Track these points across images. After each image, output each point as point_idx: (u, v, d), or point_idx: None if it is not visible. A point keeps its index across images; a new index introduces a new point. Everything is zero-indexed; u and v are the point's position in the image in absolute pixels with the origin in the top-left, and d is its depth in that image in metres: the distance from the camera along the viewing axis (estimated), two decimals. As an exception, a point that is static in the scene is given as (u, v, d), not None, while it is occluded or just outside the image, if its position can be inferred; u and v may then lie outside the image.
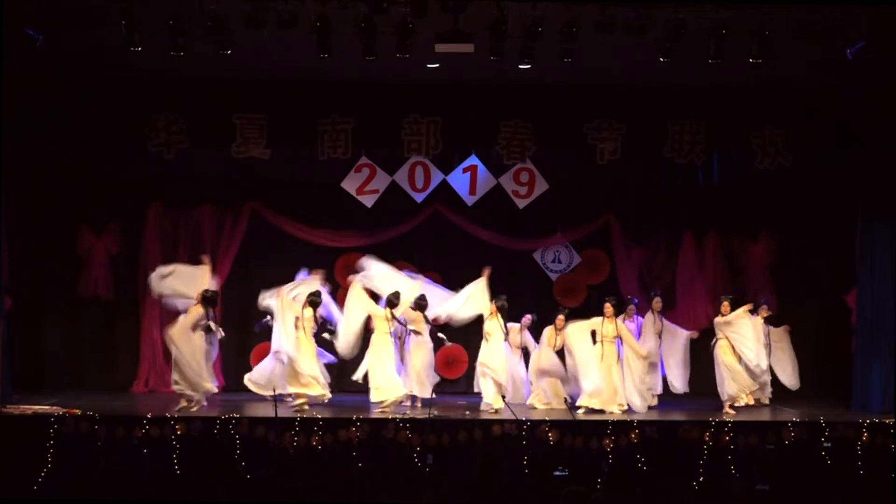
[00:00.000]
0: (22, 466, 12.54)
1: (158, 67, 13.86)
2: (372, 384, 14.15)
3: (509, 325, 14.76)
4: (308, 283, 14.74)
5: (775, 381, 15.34)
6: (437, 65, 13.74)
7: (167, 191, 16.03)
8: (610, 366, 14.39)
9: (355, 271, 15.89)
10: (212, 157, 15.38)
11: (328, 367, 14.74)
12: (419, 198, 15.71)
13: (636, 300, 15.38)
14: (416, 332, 14.51)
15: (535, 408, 14.54)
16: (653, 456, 12.98)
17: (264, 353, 15.11)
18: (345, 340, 14.49)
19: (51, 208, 15.89)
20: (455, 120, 15.32)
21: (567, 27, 12.33)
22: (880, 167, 14.79)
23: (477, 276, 14.91)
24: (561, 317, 14.68)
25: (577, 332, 14.46)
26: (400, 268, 15.33)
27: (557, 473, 12.63)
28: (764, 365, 14.82)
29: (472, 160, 15.66)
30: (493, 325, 14.52)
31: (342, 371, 14.98)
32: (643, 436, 13.14)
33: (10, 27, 11.86)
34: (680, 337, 15.14)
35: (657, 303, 15.19)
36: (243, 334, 15.86)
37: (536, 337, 15.02)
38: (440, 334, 14.77)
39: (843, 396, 15.31)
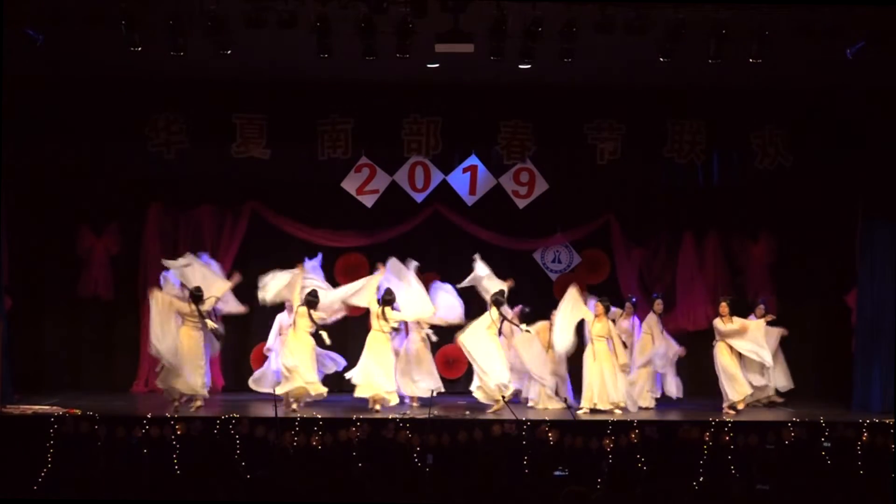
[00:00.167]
0: (22, 466, 12.55)
1: (158, 67, 13.86)
2: (359, 380, 14.24)
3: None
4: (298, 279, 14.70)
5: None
6: (437, 65, 13.74)
7: (167, 191, 16.03)
8: (601, 365, 14.39)
9: (356, 271, 15.95)
10: (212, 157, 15.36)
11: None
12: (419, 198, 15.70)
13: (634, 299, 15.39)
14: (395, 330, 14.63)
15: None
16: (653, 456, 12.98)
17: (263, 355, 15.14)
18: None
19: (51, 208, 15.89)
20: (455, 120, 15.32)
21: (567, 27, 12.33)
22: (880, 167, 14.80)
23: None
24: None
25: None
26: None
27: (557, 473, 12.63)
28: (767, 358, 14.79)
29: (472, 160, 15.65)
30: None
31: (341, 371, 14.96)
32: (643, 436, 13.15)
33: (10, 27, 11.86)
34: (672, 348, 15.13)
35: (658, 305, 15.19)
36: (243, 334, 15.84)
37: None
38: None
39: (843, 396, 15.31)
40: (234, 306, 14.72)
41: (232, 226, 16.13)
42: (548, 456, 12.93)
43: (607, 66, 14.04)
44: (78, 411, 13.20)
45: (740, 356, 14.73)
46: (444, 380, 15.20)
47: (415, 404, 14.67)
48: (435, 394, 14.26)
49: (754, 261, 16.38)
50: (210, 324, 14.20)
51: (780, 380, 15.29)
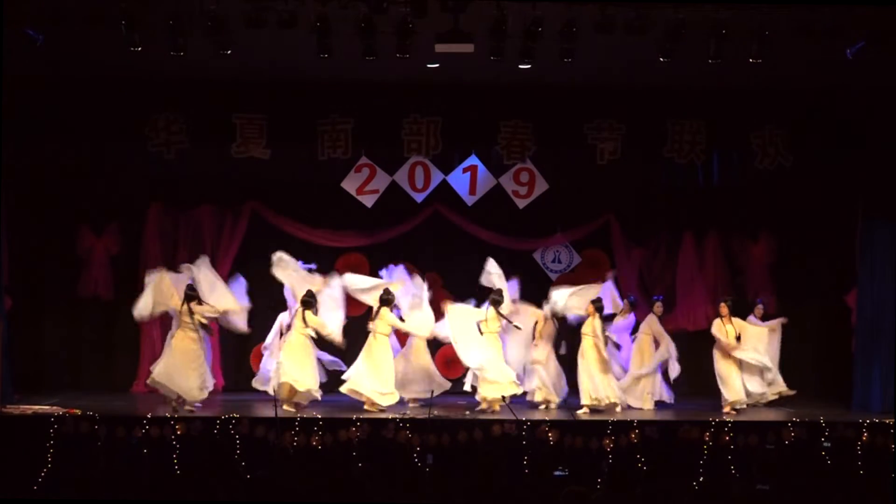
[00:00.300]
0: (22, 466, 12.55)
1: (158, 67, 13.86)
2: (348, 376, 14.28)
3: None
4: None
5: (787, 383, 15.39)
6: (437, 65, 13.74)
7: (167, 191, 16.03)
8: (588, 363, 14.45)
9: (356, 271, 15.95)
10: (212, 157, 15.37)
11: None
12: (419, 198, 15.71)
13: (633, 297, 15.39)
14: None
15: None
16: (653, 456, 12.98)
17: (261, 352, 15.15)
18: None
19: (51, 208, 15.89)
20: (455, 120, 15.33)
21: (567, 27, 12.34)
22: (880, 167, 14.80)
23: (476, 276, 14.96)
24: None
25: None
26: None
27: (557, 473, 12.63)
28: (768, 363, 14.79)
29: (472, 160, 15.66)
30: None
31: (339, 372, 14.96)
32: (643, 436, 13.15)
33: (10, 27, 11.86)
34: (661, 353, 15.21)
35: (658, 308, 15.20)
36: (242, 335, 15.82)
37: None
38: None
39: (843, 396, 15.31)
40: (237, 324, 14.66)
41: (232, 226, 16.13)
42: (548, 456, 12.93)
43: (607, 66, 14.04)
44: (78, 411, 13.19)
45: (740, 360, 14.72)
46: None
47: (412, 404, 14.66)
48: (435, 394, 14.26)
49: (754, 261, 16.39)
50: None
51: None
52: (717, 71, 13.24)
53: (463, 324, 14.53)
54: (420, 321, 14.74)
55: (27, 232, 15.61)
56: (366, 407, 14.07)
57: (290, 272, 14.72)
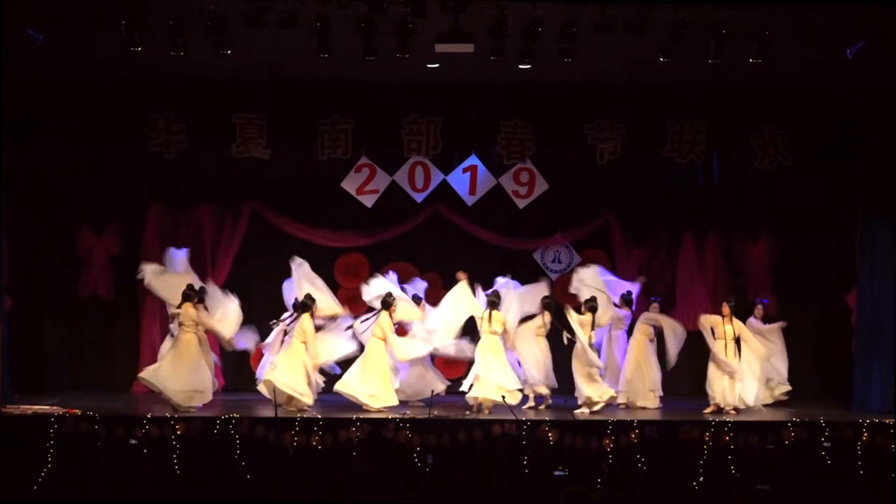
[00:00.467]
0: (22, 466, 12.54)
1: (158, 67, 13.86)
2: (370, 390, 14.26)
3: None
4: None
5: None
6: (437, 65, 13.74)
7: (167, 191, 16.02)
8: (576, 364, 14.51)
9: (356, 271, 15.98)
10: (212, 157, 15.37)
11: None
12: (419, 198, 15.71)
13: (632, 294, 15.38)
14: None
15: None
16: (653, 456, 12.97)
17: (261, 354, 15.14)
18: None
19: (51, 208, 15.89)
20: (455, 120, 15.33)
21: (567, 27, 12.33)
22: (880, 167, 14.80)
23: (477, 276, 14.97)
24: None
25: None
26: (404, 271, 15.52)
27: (557, 473, 12.63)
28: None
29: (472, 160, 15.66)
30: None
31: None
32: (643, 436, 13.14)
33: (10, 27, 11.86)
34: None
35: (654, 308, 15.19)
36: (241, 335, 15.82)
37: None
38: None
39: (843, 396, 15.31)
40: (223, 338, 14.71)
41: (232, 226, 16.13)
42: (548, 456, 12.93)
43: (607, 66, 14.04)
44: (78, 411, 13.19)
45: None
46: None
47: (413, 404, 14.66)
48: (435, 394, 14.25)
49: (754, 261, 16.38)
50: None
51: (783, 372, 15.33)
52: (717, 71, 13.24)
53: (455, 304, 14.58)
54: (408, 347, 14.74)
55: (27, 232, 15.61)
56: (364, 406, 14.07)
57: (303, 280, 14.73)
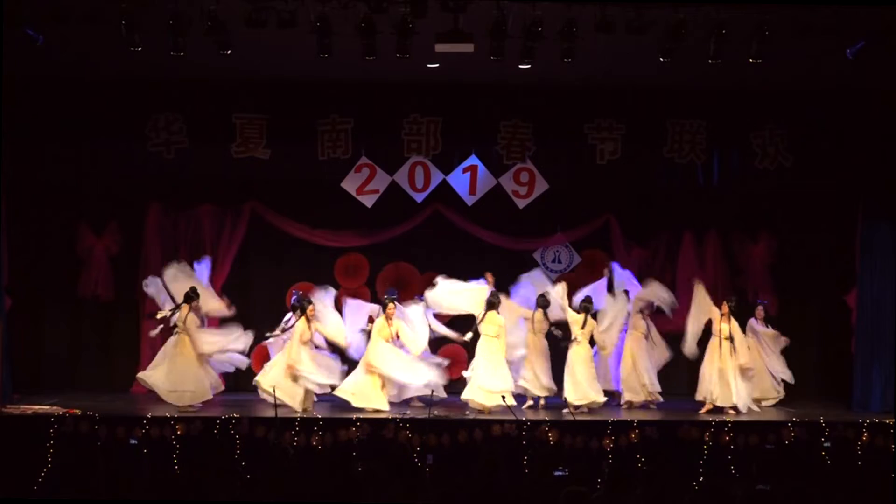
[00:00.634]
0: (22, 466, 12.54)
1: (158, 67, 13.86)
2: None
3: None
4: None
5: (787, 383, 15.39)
6: (437, 65, 13.74)
7: (167, 191, 16.02)
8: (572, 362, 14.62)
9: (356, 271, 15.98)
10: (212, 157, 15.37)
11: None
12: (419, 198, 15.71)
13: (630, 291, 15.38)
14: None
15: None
16: (653, 456, 12.97)
17: (264, 354, 15.13)
18: None
19: (51, 208, 15.89)
20: (455, 120, 15.33)
21: (567, 27, 12.33)
22: (880, 167, 14.80)
23: (477, 276, 14.98)
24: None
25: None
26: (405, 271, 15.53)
27: (557, 473, 12.62)
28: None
29: (472, 160, 15.66)
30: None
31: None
32: (643, 436, 13.15)
33: (10, 27, 11.86)
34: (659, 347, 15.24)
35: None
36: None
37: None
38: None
39: (843, 396, 15.31)
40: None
41: (232, 226, 16.12)
42: (548, 456, 12.92)
43: (607, 66, 14.04)
44: (78, 411, 13.20)
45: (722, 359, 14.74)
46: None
47: (413, 404, 14.67)
48: (434, 394, 14.24)
49: (754, 261, 16.38)
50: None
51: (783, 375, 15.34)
52: (717, 71, 13.24)
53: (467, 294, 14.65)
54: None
55: (27, 232, 15.62)
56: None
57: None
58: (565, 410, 13.95)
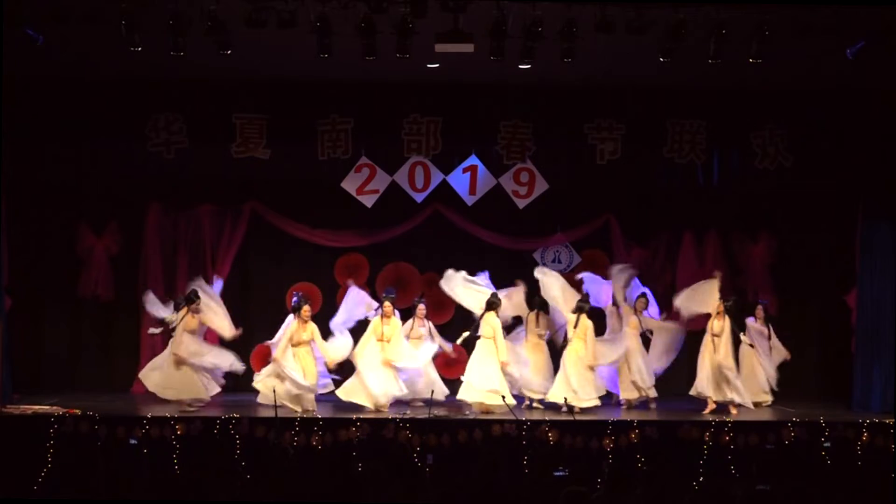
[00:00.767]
0: (22, 466, 12.54)
1: (158, 67, 13.85)
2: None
3: None
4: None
5: (787, 382, 15.38)
6: (437, 65, 13.74)
7: (167, 191, 16.02)
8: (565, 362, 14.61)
9: (356, 271, 15.98)
10: (212, 157, 15.37)
11: None
12: (419, 198, 15.70)
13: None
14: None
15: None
16: (653, 456, 12.97)
17: (264, 354, 15.13)
18: None
19: (51, 208, 15.89)
20: (455, 120, 15.33)
21: (567, 27, 12.33)
22: (880, 167, 14.80)
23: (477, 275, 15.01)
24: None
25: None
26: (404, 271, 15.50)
27: (557, 473, 12.62)
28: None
29: (472, 160, 15.66)
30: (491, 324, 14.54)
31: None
32: (643, 436, 13.15)
33: (10, 27, 11.86)
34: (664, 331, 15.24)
35: (641, 303, 15.18)
36: (243, 335, 15.79)
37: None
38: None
39: (843, 396, 15.31)
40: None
41: (232, 226, 16.12)
42: (548, 456, 12.92)
43: (607, 66, 14.04)
44: (78, 411, 13.20)
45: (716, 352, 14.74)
46: (444, 380, 15.16)
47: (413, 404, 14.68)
48: (434, 395, 14.24)
49: (754, 261, 16.38)
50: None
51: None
52: (717, 71, 13.23)
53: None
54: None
55: (27, 232, 15.61)
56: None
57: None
58: (563, 409, 13.96)
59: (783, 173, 15.43)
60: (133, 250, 16.02)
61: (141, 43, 12.52)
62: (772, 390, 15.15)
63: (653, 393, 14.91)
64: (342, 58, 12.84)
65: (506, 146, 15.42)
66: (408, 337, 14.69)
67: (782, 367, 15.47)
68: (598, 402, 14.47)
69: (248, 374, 15.52)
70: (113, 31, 12.18)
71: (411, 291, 15.79)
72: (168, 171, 15.41)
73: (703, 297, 14.86)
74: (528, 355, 14.81)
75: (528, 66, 13.34)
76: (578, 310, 14.61)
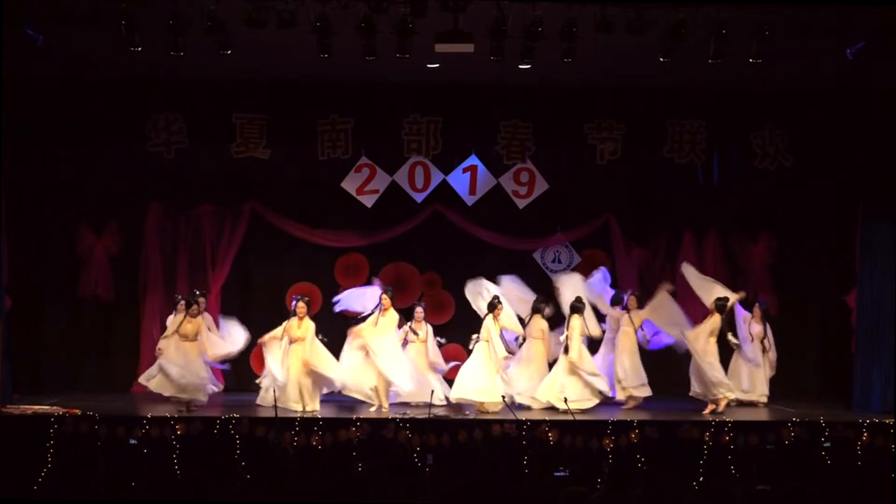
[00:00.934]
0: (22, 466, 12.54)
1: (158, 67, 13.85)
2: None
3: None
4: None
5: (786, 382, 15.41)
6: (437, 65, 13.74)
7: (167, 191, 16.02)
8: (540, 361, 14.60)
9: (356, 271, 15.98)
10: (212, 157, 15.38)
11: None
12: (419, 198, 15.71)
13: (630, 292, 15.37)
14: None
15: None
16: (653, 456, 12.97)
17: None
18: None
19: (51, 208, 15.89)
20: (455, 120, 15.33)
21: (567, 27, 12.33)
22: (880, 167, 14.80)
23: (477, 276, 14.98)
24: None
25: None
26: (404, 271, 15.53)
27: (557, 473, 12.62)
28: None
29: (472, 160, 15.66)
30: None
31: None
32: (643, 436, 13.14)
33: (10, 27, 11.86)
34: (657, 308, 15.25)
35: (632, 301, 15.17)
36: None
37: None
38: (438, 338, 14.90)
39: (843, 396, 15.31)
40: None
41: (232, 226, 16.12)
42: (548, 456, 12.92)
43: (607, 66, 14.04)
44: (78, 411, 13.19)
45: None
46: (444, 380, 15.17)
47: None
48: (435, 395, 14.23)
49: (754, 261, 16.38)
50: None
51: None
52: (717, 71, 13.23)
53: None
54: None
55: (27, 232, 15.61)
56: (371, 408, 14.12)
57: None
58: (562, 409, 13.95)
59: (783, 173, 15.43)
60: (133, 250, 16.03)
61: (141, 43, 12.52)
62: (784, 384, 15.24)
63: (640, 393, 14.85)
64: (342, 58, 12.84)
65: (506, 146, 15.43)
66: (406, 340, 14.67)
67: (782, 367, 15.48)
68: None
69: (249, 374, 15.57)
70: (113, 31, 12.19)
71: (411, 291, 15.79)
72: (168, 171, 15.43)
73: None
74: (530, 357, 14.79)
75: (528, 66, 13.34)
76: (574, 310, 14.57)
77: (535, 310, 14.75)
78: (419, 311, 14.83)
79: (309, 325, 14.15)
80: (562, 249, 16.56)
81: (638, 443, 13.08)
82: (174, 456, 12.74)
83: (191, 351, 14.13)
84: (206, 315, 14.95)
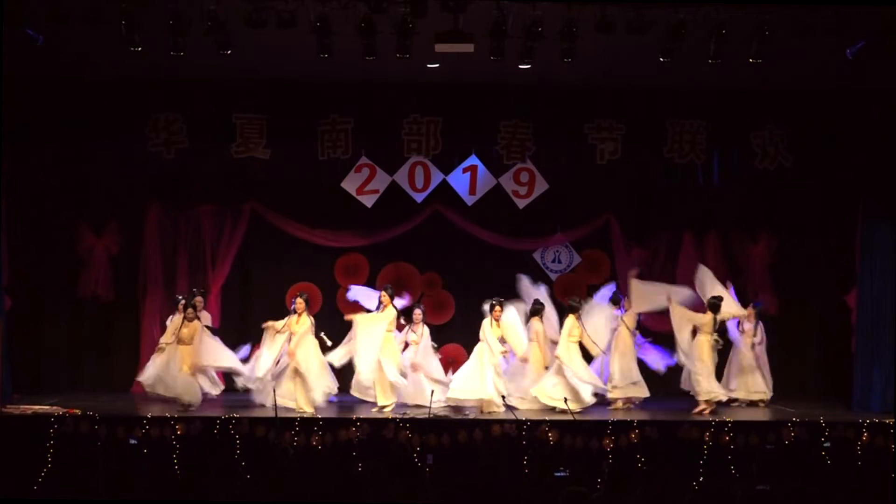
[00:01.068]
0: (22, 466, 12.54)
1: (158, 67, 13.86)
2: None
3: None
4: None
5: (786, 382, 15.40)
6: (437, 65, 13.75)
7: (167, 191, 16.02)
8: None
9: (356, 271, 15.99)
10: (212, 157, 15.39)
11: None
12: (419, 198, 15.71)
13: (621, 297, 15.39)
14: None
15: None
16: (653, 456, 12.97)
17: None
18: None
19: (51, 208, 15.88)
20: (455, 120, 15.34)
21: (567, 27, 12.33)
22: (880, 167, 14.80)
23: (477, 276, 14.98)
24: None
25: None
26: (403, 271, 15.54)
27: (557, 473, 12.62)
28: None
29: (472, 160, 15.67)
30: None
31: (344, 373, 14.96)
32: (643, 436, 13.14)
33: (10, 27, 11.86)
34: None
35: (628, 303, 15.17)
36: (242, 335, 15.81)
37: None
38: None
39: (843, 396, 15.31)
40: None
41: (232, 226, 16.11)
42: (548, 456, 12.93)
43: (607, 66, 14.04)
44: (78, 411, 13.19)
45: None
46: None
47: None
48: (435, 395, 14.21)
49: (754, 261, 16.38)
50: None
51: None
52: (717, 71, 13.24)
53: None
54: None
55: (27, 232, 15.61)
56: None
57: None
58: (561, 409, 13.95)
59: (783, 173, 15.44)
60: (133, 250, 16.02)
61: (141, 43, 12.53)
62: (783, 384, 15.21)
63: (632, 392, 14.79)
64: (342, 58, 12.85)
65: (506, 146, 15.43)
66: (405, 342, 14.67)
67: (782, 367, 15.48)
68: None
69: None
70: (113, 31, 12.19)
71: (411, 291, 15.79)
72: (168, 171, 15.44)
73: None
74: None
75: (528, 66, 13.34)
76: (571, 310, 14.57)
77: (533, 312, 14.74)
78: (418, 313, 14.82)
79: (305, 321, 14.13)
80: (562, 249, 16.56)
81: (638, 443, 13.08)
82: (174, 456, 12.74)
83: (184, 356, 14.12)
84: (205, 314, 14.96)
